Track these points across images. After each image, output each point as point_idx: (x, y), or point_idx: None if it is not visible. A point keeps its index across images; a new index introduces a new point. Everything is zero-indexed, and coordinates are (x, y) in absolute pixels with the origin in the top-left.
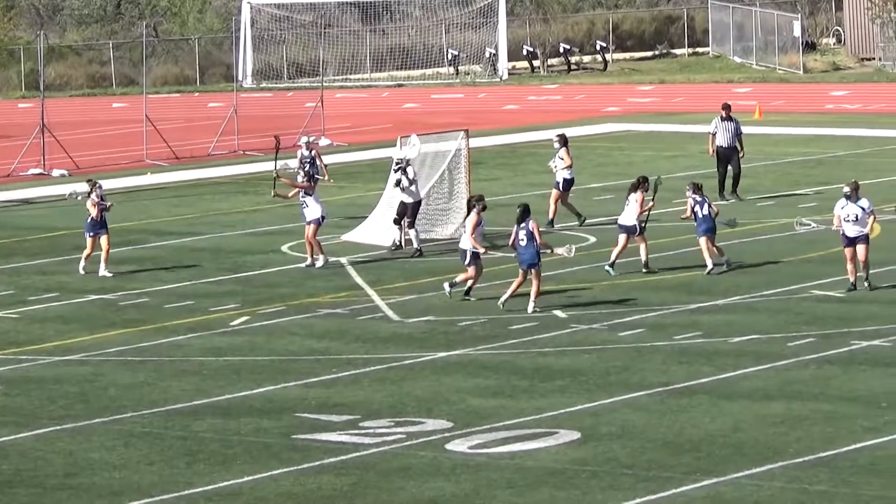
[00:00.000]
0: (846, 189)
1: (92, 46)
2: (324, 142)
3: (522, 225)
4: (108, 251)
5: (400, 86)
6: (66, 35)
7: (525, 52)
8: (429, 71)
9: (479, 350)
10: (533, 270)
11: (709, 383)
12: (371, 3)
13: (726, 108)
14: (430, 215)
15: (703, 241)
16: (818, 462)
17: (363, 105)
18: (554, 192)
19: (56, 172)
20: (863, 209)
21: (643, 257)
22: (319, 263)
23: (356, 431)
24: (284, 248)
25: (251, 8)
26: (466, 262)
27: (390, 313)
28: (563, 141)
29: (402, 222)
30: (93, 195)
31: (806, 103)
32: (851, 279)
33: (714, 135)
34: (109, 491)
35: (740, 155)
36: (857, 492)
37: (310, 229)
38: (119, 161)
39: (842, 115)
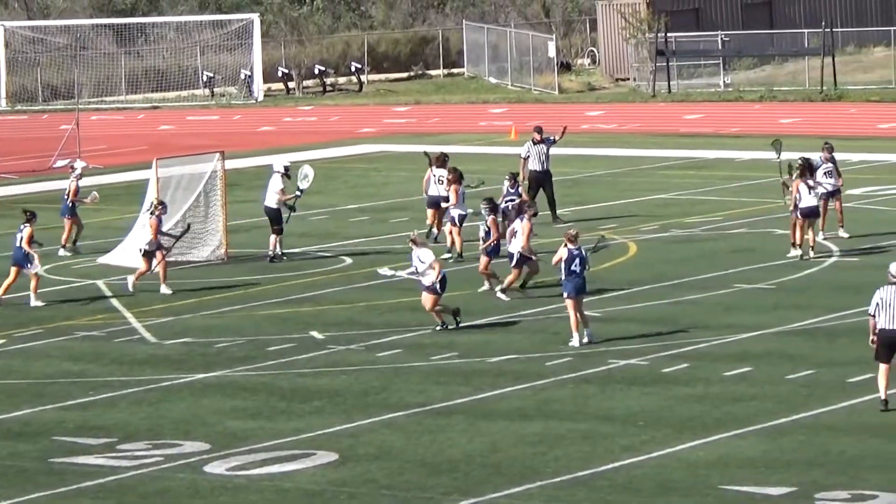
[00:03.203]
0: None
1: None
2: (79, 164)
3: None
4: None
5: (155, 108)
6: None
7: (280, 74)
8: (184, 93)
9: (237, 371)
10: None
11: (466, 403)
12: (126, 25)
13: (538, 130)
14: (186, 238)
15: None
16: (576, 481)
17: (119, 127)
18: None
19: None
20: (420, 260)
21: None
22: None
23: (114, 454)
24: (40, 271)
25: (5, 30)
26: (513, 264)
27: (147, 335)
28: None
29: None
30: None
31: (562, 123)
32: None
33: (526, 159)
34: None
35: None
36: None
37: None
38: None
39: (597, 134)
